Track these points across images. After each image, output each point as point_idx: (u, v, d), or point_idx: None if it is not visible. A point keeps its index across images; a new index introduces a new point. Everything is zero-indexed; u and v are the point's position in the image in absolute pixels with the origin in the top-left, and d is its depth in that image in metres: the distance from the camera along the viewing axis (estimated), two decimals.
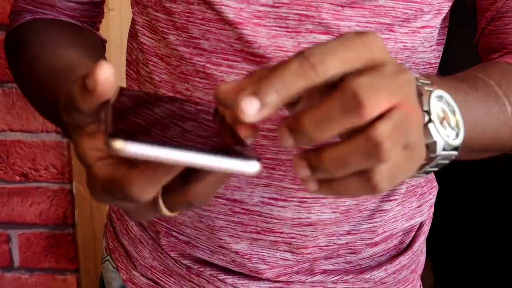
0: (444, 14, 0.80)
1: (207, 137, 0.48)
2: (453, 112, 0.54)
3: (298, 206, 0.76)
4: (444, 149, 0.53)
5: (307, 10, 0.70)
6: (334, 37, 0.71)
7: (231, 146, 0.47)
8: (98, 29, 0.91)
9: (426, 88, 0.54)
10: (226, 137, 0.49)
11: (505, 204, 1.56)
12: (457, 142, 0.54)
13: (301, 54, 0.45)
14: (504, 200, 1.56)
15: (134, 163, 0.48)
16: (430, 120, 0.52)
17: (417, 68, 0.80)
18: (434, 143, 0.52)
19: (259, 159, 0.45)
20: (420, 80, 0.55)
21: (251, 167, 0.45)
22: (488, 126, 0.69)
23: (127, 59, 0.86)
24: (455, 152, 0.54)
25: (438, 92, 0.54)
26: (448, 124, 0.54)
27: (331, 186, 0.47)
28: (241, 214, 0.76)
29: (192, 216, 0.78)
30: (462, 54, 1.15)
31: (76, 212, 1.44)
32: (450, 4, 0.81)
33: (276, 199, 0.75)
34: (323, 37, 0.71)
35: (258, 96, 0.44)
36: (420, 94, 0.53)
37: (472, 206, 1.60)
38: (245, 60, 0.72)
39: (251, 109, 0.44)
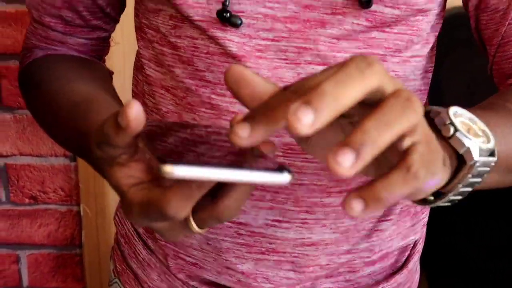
0: (432, 44, 0.83)
1: (238, 154, 0.52)
2: (475, 122, 0.56)
3: (300, 227, 0.78)
4: (480, 155, 0.54)
5: (305, 43, 0.74)
6: None
7: (262, 160, 0.51)
8: (104, 61, 0.95)
9: (440, 108, 0.56)
10: (250, 155, 0.52)
11: (503, 220, 1.58)
12: (491, 145, 0.55)
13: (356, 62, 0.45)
14: (502, 216, 1.57)
15: (166, 184, 0.51)
16: (456, 130, 0.54)
17: None
18: (468, 150, 0.54)
19: (290, 170, 0.48)
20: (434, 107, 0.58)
21: (283, 178, 0.48)
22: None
23: (133, 91, 0.89)
24: (493, 158, 0.55)
25: (453, 108, 0.56)
26: (474, 132, 0.55)
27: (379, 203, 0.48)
28: (246, 236, 0.79)
29: (199, 239, 0.80)
30: (455, 79, 1.19)
31: (83, 233, 1.47)
32: (436, 34, 0.84)
33: (279, 221, 0.78)
34: (321, 68, 0.73)
35: (316, 112, 0.43)
36: (437, 113, 0.55)
37: (469, 222, 1.62)
38: None
39: (306, 119, 0.43)
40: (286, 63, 0.74)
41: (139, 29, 0.84)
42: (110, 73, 0.92)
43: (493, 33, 0.84)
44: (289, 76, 0.74)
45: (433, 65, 0.87)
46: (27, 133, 1.44)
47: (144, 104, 0.85)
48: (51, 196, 1.45)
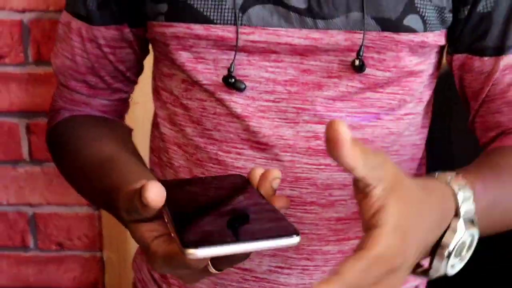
0: (426, 102, 0.86)
1: (249, 214, 0.57)
2: (470, 246, 0.64)
3: (301, 273, 0.82)
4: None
5: (303, 104, 0.78)
6: None
7: (272, 216, 0.56)
8: (124, 119, 1.00)
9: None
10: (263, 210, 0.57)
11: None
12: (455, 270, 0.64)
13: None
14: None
15: None
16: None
17: (404, 149, 0.86)
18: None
19: (297, 232, 0.53)
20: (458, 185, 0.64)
21: (293, 241, 0.53)
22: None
23: (150, 146, 0.94)
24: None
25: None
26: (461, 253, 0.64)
27: None
28: (251, 281, 0.83)
29: (207, 283, 0.85)
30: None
31: (106, 278, 1.49)
32: (431, 92, 0.87)
33: (281, 268, 0.82)
34: (318, 127, 0.79)
35: None
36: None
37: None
38: (251, 148, 0.80)
39: None
40: (286, 122, 0.79)
41: (156, 90, 0.89)
42: (130, 130, 0.97)
43: (478, 91, 0.86)
44: (289, 134, 0.79)
45: (429, 120, 0.90)
46: (54, 184, 1.45)
47: (159, 159, 0.90)
48: (76, 242, 1.48)
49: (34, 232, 1.48)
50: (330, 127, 0.51)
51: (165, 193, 0.56)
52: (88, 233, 1.47)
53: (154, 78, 0.90)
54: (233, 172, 0.80)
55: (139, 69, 0.94)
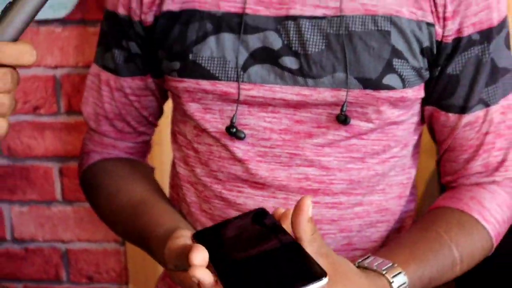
0: (411, 146, 0.90)
1: (281, 257, 0.62)
2: None
3: None
4: None
5: (295, 150, 0.84)
6: (318, 169, 0.85)
7: (301, 264, 0.60)
8: (147, 159, 1.06)
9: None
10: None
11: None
12: None
13: None
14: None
15: None
16: None
17: (390, 188, 0.89)
18: None
19: (325, 273, 0.58)
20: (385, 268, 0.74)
21: (322, 283, 0.58)
22: (439, 279, 0.83)
23: (169, 183, 1.00)
24: None
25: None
26: None
27: None
28: None
29: None
30: None
31: None
32: (417, 137, 0.91)
33: None
34: (309, 169, 0.84)
35: None
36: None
37: None
38: (251, 187, 0.86)
39: None
40: (281, 166, 0.85)
41: (173, 134, 0.95)
42: (153, 169, 1.03)
43: (442, 140, 0.90)
44: (283, 176, 0.84)
45: (417, 160, 0.93)
46: (84, 222, 1.48)
47: (176, 195, 0.96)
48: (104, 276, 1.50)
49: (67, 267, 1.52)
50: (301, 200, 0.65)
51: (207, 254, 0.62)
52: (115, 267, 1.51)
53: (172, 123, 0.96)
54: (234, 209, 0.86)
55: (160, 114, 0.99)
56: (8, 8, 0.59)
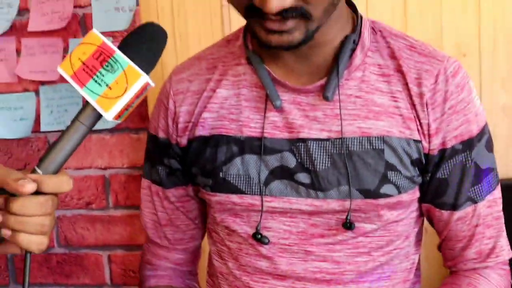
0: (412, 237, 0.96)
1: None
2: None
3: None
4: None
5: (310, 247, 0.91)
6: (330, 263, 0.91)
7: None
8: (198, 267, 1.12)
9: None
10: None
11: None
12: None
13: None
14: None
15: None
16: None
17: (395, 275, 0.95)
18: None
19: None
20: None
21: None
22: None
23: (207, 271, 1.08)
24: None
25: None
26: None
27: None
28: None
29: None
30: None
31: None
32: (418, 228, 0.97)
33: None
34: (323, 263, 0.92)
35: None
36: None
37: None
38: (274, 278, 0.94)
39: None
40: (299, 260, 0.93)
41: (209, 231, 1.03)
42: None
43: (440, 231, 0.97)
44: (301, 268, 0.92)
45: (419, 248, 0.99)
46: None
47: (212, 282, 1.04)
48: None
49: None
50: None
51: None
52: None
53: (208, 222, 1.03)
54: None
55: (205, 216, 1.06)
56: (51, 147, 0.68)
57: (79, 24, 1.40)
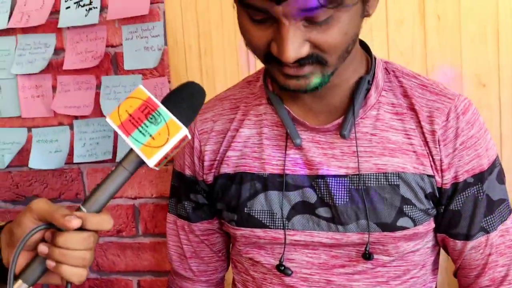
0: (430, 264, 0.97)
1: None
2: None
3: None
4: None
5: (331, 277, 0.93)
6: None
7: None
8: None
9: None
10: None
11: None
12: None
13: None
14: None
15: None
16: None
17: None
18: None
19: None
20: None
21: None
22: None
23: None
24: None
25: None
26: None
27: None
28: None
29: None
30: None
31: None
32: (434, 257, 0.98)
33: None
34: None
35: None
36: None
37: None
38: None
39: None
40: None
41: (233, 261, 1.05)
42: None
43: (455, 260, 0.98)
44: (316, 279, 0.93)
45: (435, 275, 1.01)
46: None
47: None
48: None
49: None
50: None
51: None
52: None
53: (231, 253, 1.05)
54: None
55: (228, 248, 1.08)
56: (95, 188, 0.72)
57: (111, 62, 1.44)
